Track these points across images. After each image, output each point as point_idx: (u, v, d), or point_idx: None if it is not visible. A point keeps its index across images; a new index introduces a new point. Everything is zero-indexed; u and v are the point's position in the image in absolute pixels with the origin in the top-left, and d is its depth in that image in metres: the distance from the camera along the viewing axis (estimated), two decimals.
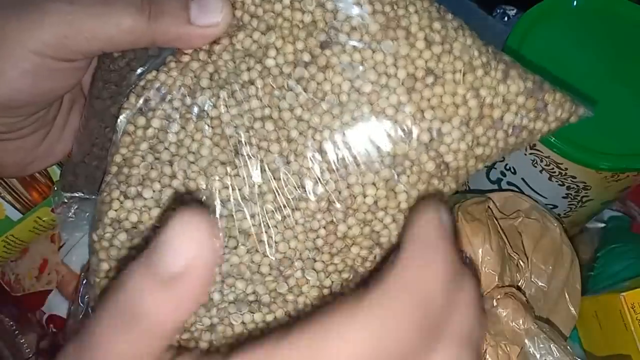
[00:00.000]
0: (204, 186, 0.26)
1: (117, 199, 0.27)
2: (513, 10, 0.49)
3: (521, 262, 0.35)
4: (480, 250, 0.33)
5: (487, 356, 0.32)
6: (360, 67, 0.25)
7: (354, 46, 0.25)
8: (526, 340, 0.31)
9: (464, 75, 0.26)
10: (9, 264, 0.44)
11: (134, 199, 0.26)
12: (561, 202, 0.39)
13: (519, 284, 0.35)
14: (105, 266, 0.27)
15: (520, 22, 0.40)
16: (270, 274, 0.27)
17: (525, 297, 0.33)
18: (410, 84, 0.25)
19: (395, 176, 0.26)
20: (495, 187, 0.42)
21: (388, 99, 0.25)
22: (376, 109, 0.25)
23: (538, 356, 0.31)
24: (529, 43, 0.39)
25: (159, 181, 0.26)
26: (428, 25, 0.26)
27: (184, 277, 0.16)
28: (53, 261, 0.43)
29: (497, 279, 0.33)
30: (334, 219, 0.26)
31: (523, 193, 0.40)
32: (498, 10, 0.49)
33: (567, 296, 0.36)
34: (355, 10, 0.25)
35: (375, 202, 0.26)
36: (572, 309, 0.36)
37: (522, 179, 0.39)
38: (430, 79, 0.25)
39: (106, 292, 0.23)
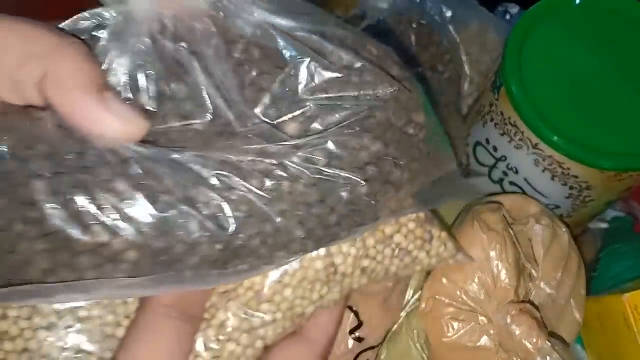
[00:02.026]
0: None
1: None
2: (515, 8, 0.48)
3: (533, 272, 0.34)
4: (496, 264, 0.32)
5: None
6: None
7: None
8: (538, 359, 0.31)
9: None
10: None
11: None
12: (564, 203, 0.39)
13: (531, 292, 0.34)
14: None
15: (522, 20, 0.39)
16: None
17: (538, 309, 0.33)
18: None
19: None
20: (498, 187, 0.41)
21: None
22: None
23: None
24: (531, 41, 0.38)
25: None
26: None
27: None
28: None
29: (513, 294, 0.32)
30: None
31: (525, 193, 0.39)
32: (500, 9, 0.48)
33: (572, 302, 0.35)
34: None
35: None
36: (577, 315, 0.35)
37: (525, 179, 0.39)
38: None
39: None
